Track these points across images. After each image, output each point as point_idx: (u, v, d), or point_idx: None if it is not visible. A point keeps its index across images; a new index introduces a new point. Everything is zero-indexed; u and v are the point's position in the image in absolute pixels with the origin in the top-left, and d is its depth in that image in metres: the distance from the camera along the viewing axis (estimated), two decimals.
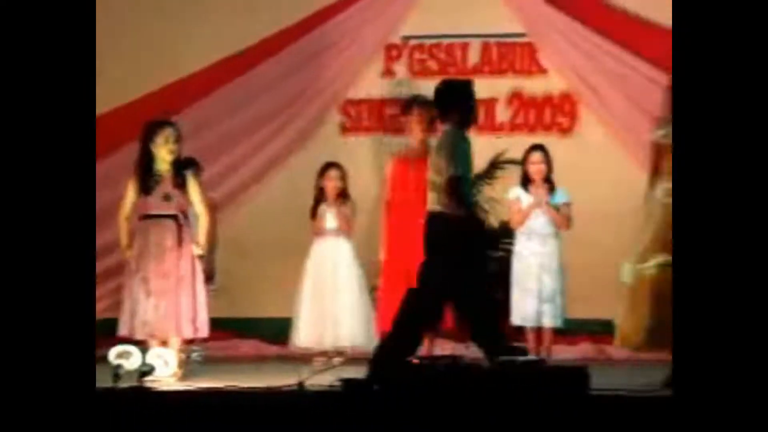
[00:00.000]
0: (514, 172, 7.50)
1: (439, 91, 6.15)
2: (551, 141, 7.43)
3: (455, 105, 6.06)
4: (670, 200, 5.82)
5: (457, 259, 5.82)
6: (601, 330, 7.32)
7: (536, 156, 6.85)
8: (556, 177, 6.89)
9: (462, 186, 5.90)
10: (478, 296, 5.88)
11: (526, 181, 6.88)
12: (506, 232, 7.64)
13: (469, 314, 5.96)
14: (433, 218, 5.97)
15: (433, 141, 7.22)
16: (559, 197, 6.83)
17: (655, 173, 5.97)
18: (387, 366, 5.63)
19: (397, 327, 5.94)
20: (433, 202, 6.01)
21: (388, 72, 8.46)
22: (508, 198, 7.03)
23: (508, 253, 7.29)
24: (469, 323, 6.02)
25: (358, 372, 5.47)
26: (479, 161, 8.11)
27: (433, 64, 8.44)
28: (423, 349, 6.85)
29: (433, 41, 8.42)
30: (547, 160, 6.84)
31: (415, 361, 5.55)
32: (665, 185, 5.85)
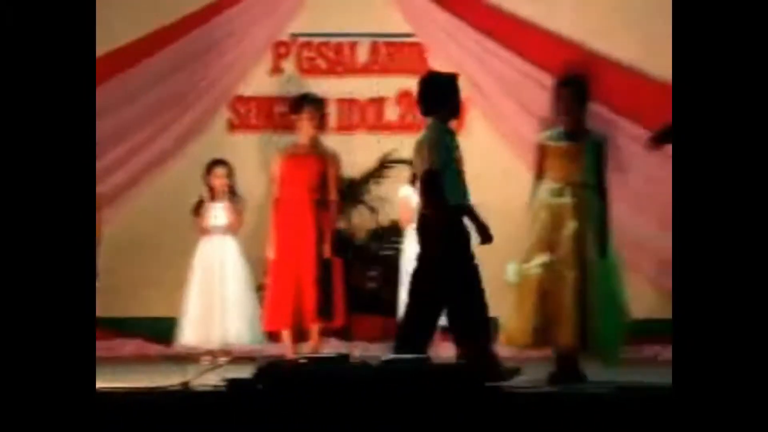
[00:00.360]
0: (403, 171, 7.53)
1: (423, 83, 5.95)
2: None
3: (439, 98, 5.87)
4: (554, 201, 5.93)
5: (439, 258, 5.71)
6: None
7: None
8: None
9: (437, 181, 5.69)
10: (461, 296, 5.75)
11: (415, 181, 6.91)
12: (395, 231, 7.68)
13: (458, 315, 5.82)
14: (419, 217, 5.87)
15: (323, 139, 7.25)
16: None
17: (540, 174, 6.05)
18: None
19: (407, 327, 5.81)
20: (421, 199, 5.90)
21: (277, 69, 8.41)
22: (398, 197, 7.05)
23: (397, 251, 7.32)
24: (456, 324, 5.86)
25: (244, 371, 5.41)
26: (368, 160, 8.16)
27: (321, 63, 8.43)
28: (309, 348, 6.84)
29: (322, 39, 8.40)
30: None
31: (302, 360, 5.52)
32: (550, 186, 5.94)
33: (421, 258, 5.83)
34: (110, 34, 7.97)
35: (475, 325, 5.73)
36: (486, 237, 5.81)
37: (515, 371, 5.74)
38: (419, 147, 5.82)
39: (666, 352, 7.50)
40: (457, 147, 5.87)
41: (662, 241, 7.88)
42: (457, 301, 5.75)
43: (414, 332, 5.78)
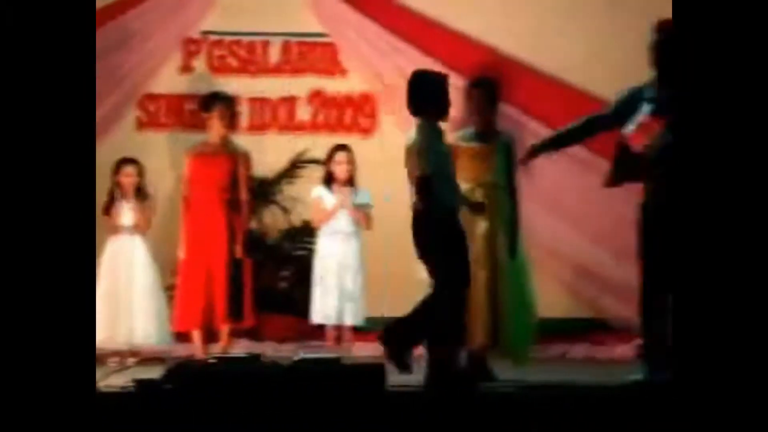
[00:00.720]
0: (315, 171, 7.52)
1: (413, 82, 5.81)
2: (352, 141, 7.48)
3: (428, 98, 5.74)
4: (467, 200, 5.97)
5: (436, 260, 5.63)
6: None
7: (341, 156, 6.88)
8: (357, 177, 6.94)
9: (430, 186, 5.61)
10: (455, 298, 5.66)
11: (329, 181, 6.89)
12: (308, 231, 7.66)
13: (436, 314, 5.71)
14: (413, 218, 5.79)
15: (234, 138, 7.18)
16: (362, 197, 6.88)
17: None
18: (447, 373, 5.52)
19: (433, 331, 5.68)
20: (414, 201, 5.82)
21: (187, 67, 8.32)
22: (311, 197, 7.02)
23: (310, 252, 7.30)
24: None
25: (153, 372, 5.34)
26: (280, 159, 8.12)
27: (233, 61, 8.36)
28: (219, 348, 6.78)
29: (234, 38, 8.34)
30: (352, 160, 6.88)
31: (212, 360, 5.47)
32: (462, 186, 5.97)
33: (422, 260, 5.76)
34: None
35: (450, 327, 5.65)
36: (479, 209, 5.82)
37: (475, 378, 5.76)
38: (410, 151, 5.74)
39: (573, 351, 7.61)
40: (447, 149, 5.81)
41: (573, 243, 8.02)
42: (441, 303, 5.68)
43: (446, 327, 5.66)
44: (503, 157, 6.03)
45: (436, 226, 5.61)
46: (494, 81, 6.20)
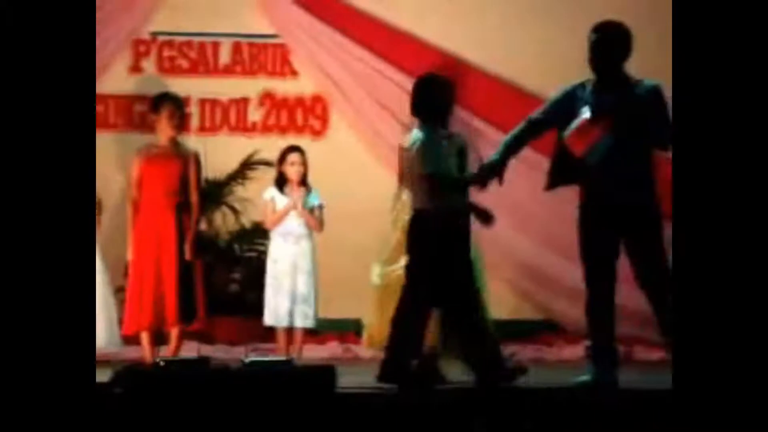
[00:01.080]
0: (266, 173, 7.49)
1: (422, 85, 5.86)
2: (304, 143, 7.46)
3: (436, 102, 5.80)
4: None
5: (438, 260, 5.64)
6: (350, 329, 7.44)
7: (294, 157, 6.86)
8: (309, 179, 6.93)
9: (432, 187, 5.66)
10: (459, 298, 5.69)
11: (281, 182, 6.87)
12: (259, 233, 7.63)
13: (453, 317, 5.75)
14: (413, 217, 5.80)
15: (184, 139, 7.14)
16: (314, 199, 6.87)
17: (403, 177, 6.10)
18: (396, 371, 5.55)
19: (397, 330, 5.69)
20: (414, 201, 5.82)
21: (136, 68, 8.27)
22: (263, 199, 6.99)
23: (261, 254, 7.26)
24: (455, 328, 5.79)
25: (102, 375, 5.29)
26: (232, 161, 8.09)
27: (183, 62, 8.32)
28: (169, 351, 6.74)
29: (184, 39, 8.29)
30: (304, 162, 6.86)
31: (161, 363, 5.42)
32: None
33: (418, 261, 5.77)
34: None
35: (475, 324, 5.70)
36: (487, 219, 5.82)
37: (524, 370, 5.75)
38: (410, 151, 5.79)
39: (523, 352, 7.65)
40: (454, 151, 5.82)
41: (523, 245, 8.07)
42: (454, 304, 5.71)
43: (406, 334, 5.71)
44: (455, 159, 6.05)
45: (439, 225, 5.67)
46: (445, 83, 6.21)
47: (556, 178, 5.74)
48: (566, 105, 5.70)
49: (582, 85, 5.73)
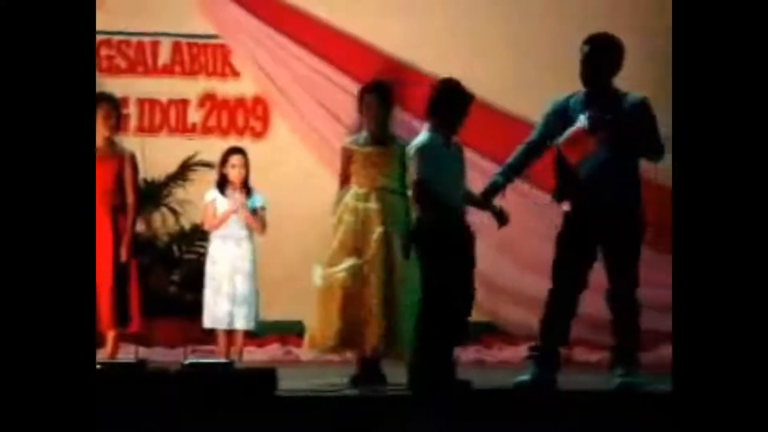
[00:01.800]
0: (206, 174, 7.43)
1: (443, 87, 5.83)
2: (244, 144, 7.42)
3: (442, 107, 5.77)
4: (360, 205, 5.96)
5: (436, 264, 5.63)
6: (292, 331, 7.40)
7: (236, 159, 6.80)
8: (251, 181, 6.88)
9: (427, 190, 5.66)
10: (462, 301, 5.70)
11: (222, 184, 6.81)
12: (199, 234, 7.56)
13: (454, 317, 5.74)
14: (416, 223, 5.78)
15: (122, 140, 7.04)
16: (256, 201, 6.82)
17: (346, 178, 6.08)
18: (430, 377, 5.56)
19: (424, 338, 5.69)
20: (414, 207, 5.81)
21: None
22: (204, 201, 6.92)
23: (201, 255, 7.20)
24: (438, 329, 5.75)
25: None
26: (172, 162, 8.01)
27: (121, 62, 8.23)
28: (106, 354, 6.64)
29: (122, 38, 8.19)
30: (246, 164, 6.80)
31: (98, 367, 5.34)
32: (355, 191, 5.97)
33: (423, 264, 5.76)
34: None
35: (449, 327, 5.74)
36: (502, 219, 5.84)
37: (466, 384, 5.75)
38: (409, 154, 5.81)
39: (464, 354, 7.65)
40: (455, 157, 5.82)
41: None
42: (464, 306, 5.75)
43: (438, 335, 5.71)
44: (398, 162, 6.04)
45: (436, 228, 5.68)
46: (388, 86, 6.21)
47: (562, 192, 5.74)
48: (562, 117, 5.70)
49: (572, 97, 5.74)
